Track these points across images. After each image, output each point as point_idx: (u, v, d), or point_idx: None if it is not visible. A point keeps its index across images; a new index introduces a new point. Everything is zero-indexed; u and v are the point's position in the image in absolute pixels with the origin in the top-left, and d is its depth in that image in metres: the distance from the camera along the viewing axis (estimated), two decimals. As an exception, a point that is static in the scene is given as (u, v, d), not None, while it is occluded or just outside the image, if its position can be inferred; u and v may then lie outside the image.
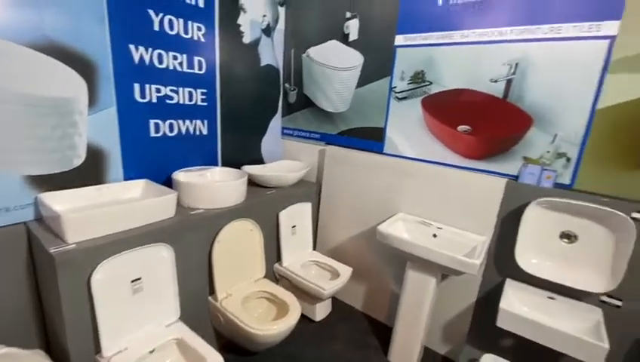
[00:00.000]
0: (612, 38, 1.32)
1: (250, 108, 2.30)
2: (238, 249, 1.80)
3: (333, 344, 1.96)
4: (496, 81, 1.60)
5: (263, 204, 1.98)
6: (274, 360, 1.80)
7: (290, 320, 1.59)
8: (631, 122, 1.33)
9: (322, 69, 2.26)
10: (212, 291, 1.74)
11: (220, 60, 2.00)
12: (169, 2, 1.68)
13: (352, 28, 2.07)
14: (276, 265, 2.14)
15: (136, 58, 1.61)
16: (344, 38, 2.12)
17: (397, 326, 1.81)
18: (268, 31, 2.30)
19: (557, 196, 1.44)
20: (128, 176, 1.68)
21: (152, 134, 1.75)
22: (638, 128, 1.32)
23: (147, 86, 1.68)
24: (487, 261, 1.72)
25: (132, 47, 1.58)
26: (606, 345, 1.21)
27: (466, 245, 1.66)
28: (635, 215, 1.32)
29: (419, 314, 1.72)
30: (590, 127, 1.41)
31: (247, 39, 2.15)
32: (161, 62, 1.71)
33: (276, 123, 2.55)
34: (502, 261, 1.66)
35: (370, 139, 2.12)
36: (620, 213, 1.29)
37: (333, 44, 2.18)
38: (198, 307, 1.72)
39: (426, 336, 1.87)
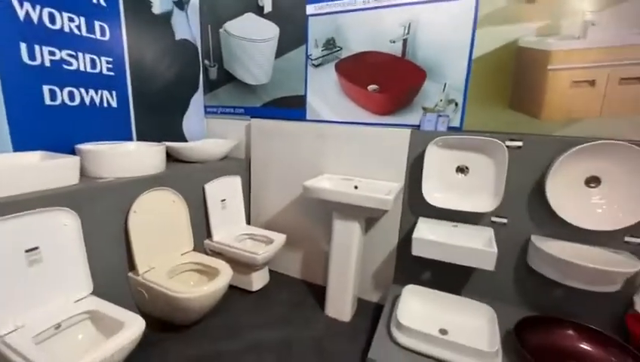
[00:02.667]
0: (477, -3, 1.59)
1: (167, 83, 2.20)
2: (159, 220, 1.71)
3: (271, 309, 1.96)
4: (394, 42, 1.80)
5: (186, 176, 1.91)
6: (211, 332, 1.73)
7: (221, 280, 1.56)
8: (497, 68, 1.61)
9: (240, 42, 2.28)
10: (132, 266, 1.62)
11: (127, 27, 1.89)
12: (58, -43, 1.55)
13: (266, 0, 2.13)
14: (207, 241, 2.07)
15: (21, 14, 1.45)
16: (259, 10, 2.17)
17: (330, 280, 1.89)
18: (180, 4, 2.24)
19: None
20: (18, 148, 1.49)
21: (48, 102, 1.58)
22: (502, 73, 1.60)
23: (37, 47, 1.52)
24: (402, 206, 1.90)
25: (15, 0, 1.42)
26: (494, 250, 1.43)
27: (382, 191, 1.81)
28: (508, 143, 1.59)
29: (348, 261, 1.81)
30: (469, 74, 1.66)
31: (157, 10, 2.07)
32: (53, 22, 1.56)
33: (198, 101, 2.48)
34: (414, 203, 1.85)
35: (293, 107, 2.19)
36: (497, 141, 1.55)
37: (249, 17, 2.21)
38: (117, 284, 1.58)
39: (358, 288, 1.98)
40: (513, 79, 1.59)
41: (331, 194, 1.69)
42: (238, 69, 2.35)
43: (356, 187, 1.90)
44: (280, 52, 2.16)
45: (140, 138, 2.04)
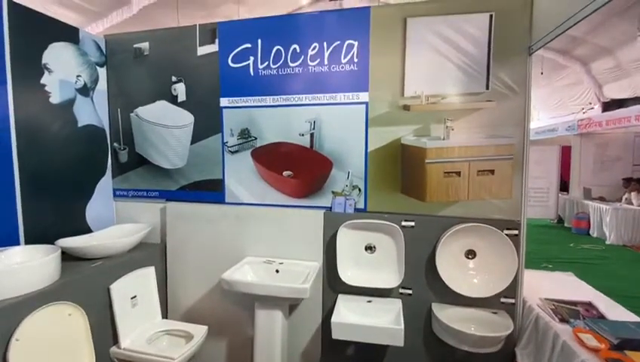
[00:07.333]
0: (366, 103, 1.89)
1: (67, 171, 2.04)
2: (51, 341, 1.48)
3: (192, 418, 1.78)
4: (303, 135, 2.00)
5: (86, 280, 1.73)
6: None
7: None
8: (388, 160, 1.90)
9: (154, 127, 2.26)
10: (10, 408, 1.35)
11: (17, 120, 1.74)
12: None
13: (180, 90, 2.20)
14: (113, 349, 1.84)
15: None
16: (173, 99, 2.22)
17: (255, 370, 1.83)
18: (85, 91, 2.16)
19: (357, 218, 1.86)
20: None
21: None
22: (392, 164, 1.89)
23: None
24: (323, 283, 1.99)
25: None
26: (401, 327, 1.58)
27: (302, 273, 1.88)
28: (404, 223, 1.84)
29: (273, 350, 1.80)
30: (367, 165, 1.92)
31: (55, 99, 1.96)
32: None
33: (105, 185, 2.32)
34: (333, 280, 1.96)
35: (211, 190, 2.20)
36: (393, 224, 1.79)
37: (163, 105, 2.24)
38: None
39: (287, 370, 1.95)
40: (401, 169, 1.89)
41: (249, 286, 1.71)
42: (152, 153, 2.30)
43: (277, 271, 1.94)
44: (196, 138, 2.20)
45: (31, 238, 1.80)
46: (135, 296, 1.97)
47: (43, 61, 1.89)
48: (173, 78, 2.20)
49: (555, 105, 8.26)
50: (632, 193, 5.90)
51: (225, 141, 2.15)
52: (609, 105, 6.86)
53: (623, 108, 6.11)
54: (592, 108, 7.29)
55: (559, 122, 7.49)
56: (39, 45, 1.88)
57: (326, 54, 1.92)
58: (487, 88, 1.75)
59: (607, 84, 6.78)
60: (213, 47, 2.10)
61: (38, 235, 1.83)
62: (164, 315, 2.21)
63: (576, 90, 7.51)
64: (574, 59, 6.81)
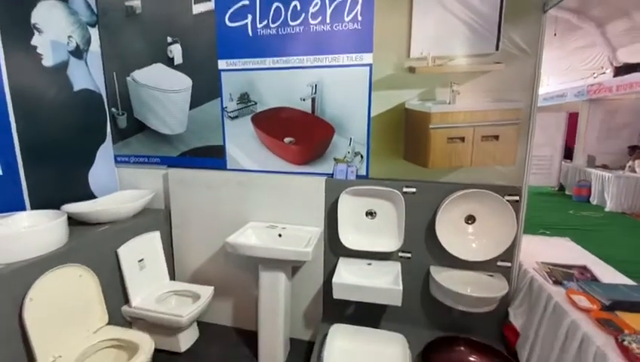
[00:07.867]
0: (370, 65, 1.82)
1: (66, 137, 2.02)
2: (63, 300, 1.55)
3: (202, 369, 1.91)
4: (304, 100, 1.95)
5: (94, 244, 1.78)
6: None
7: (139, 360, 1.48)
8: (391, 126, 1.86)
9: (151, 91, 2.21)
10: (31, 359, 1.44)
11: (11, 85, 1.70)
12: None
13: (176, 52, 2.11)
14: (124, 308, 1.93)
15: None
16: (169, 62, 2.14)
17: (260, 327, 1.92)
18: (79, 53, 2.08)
19: (359, 185, 1.87)
20: None
21: None
22: (395, 130, 1.86)
23: None
24: (325, 247, 2.04)
25: None
26: (400, 287, 1.64)
27: (304, 238, 1.92)
28: (405, 189, 1.84)
29: (277, 309, 1.88)
30: (370, 131, 1.89)
31: (48, 62, 1.89)
32: None
33: (106, 151, 2.31)
34: (334, 244, 2.00)
35: (212, 156, 2.19)
36: (394, 190, 1.79)
37: (159, 68, 2.16)
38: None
39: (290, 329, 2.05)
40: (404, 135, 1.85)
41: (253, 249, 1.75)
42: (151, 118, 2.26)
43: (280, 235, 1.98)
44: (194, 103, 2.15)
45: (37, 204, 1.82)
46: (142, 259, 2.03)
47: (32, 21, 1.80)
48: (169, 39, 2.10)
49: (566, 69, 7.94)
50: (637, 161, 5.84)
51: (224, 106, 2.10)
52: (620, 71, 6.58)
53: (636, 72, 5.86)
54: (604, 72, 7.01)
55: (568, 88, 7.24)
56: (27, 3, 1.78)
57: (328, 12, 1.82)
58: (497, 49, 1.66)
59: (622, 47, 6.46)
60: (210, 5, 1.98)
61: (43, 202, 1.85)
62: (172, 277, 2.30)
63: (588, 54, 7.18)
64: (589, 20, 6.43)
